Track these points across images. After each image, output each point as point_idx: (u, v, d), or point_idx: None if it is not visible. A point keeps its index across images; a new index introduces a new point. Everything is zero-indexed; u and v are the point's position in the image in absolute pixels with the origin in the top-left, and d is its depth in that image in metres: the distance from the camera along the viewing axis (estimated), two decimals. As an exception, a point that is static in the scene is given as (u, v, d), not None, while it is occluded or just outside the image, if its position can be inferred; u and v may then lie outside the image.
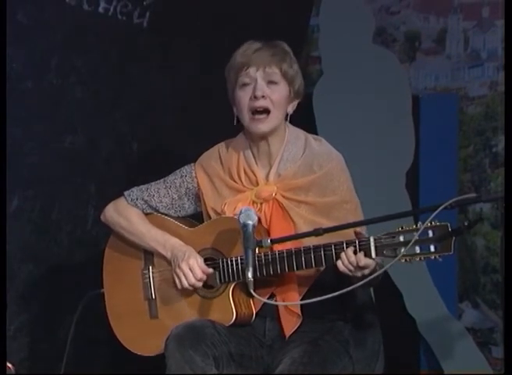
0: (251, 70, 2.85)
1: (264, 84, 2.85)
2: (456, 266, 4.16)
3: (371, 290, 3.03)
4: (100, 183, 3.67)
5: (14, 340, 3.51)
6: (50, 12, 3.52)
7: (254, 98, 2.83)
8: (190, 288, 2.85)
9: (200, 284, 2.84)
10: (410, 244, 2.54)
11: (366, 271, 2.62)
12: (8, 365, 3.13)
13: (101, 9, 3.63)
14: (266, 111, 2.84)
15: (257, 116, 2.84)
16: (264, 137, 2.88)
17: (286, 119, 2.92)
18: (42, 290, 3.57)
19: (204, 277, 2.83)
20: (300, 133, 2.95)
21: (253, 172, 2.90)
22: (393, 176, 4.16)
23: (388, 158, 4.14)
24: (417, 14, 4.48)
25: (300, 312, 2.77)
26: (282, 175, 2.88)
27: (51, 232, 3.60)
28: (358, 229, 2.72)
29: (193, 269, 2.82)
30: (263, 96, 2.83)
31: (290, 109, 2.92)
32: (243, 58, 2.87)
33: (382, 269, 2.60)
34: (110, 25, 3.66)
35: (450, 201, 2.54)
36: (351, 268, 2.62)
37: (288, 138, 2.91)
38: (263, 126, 2.85)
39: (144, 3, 3.72)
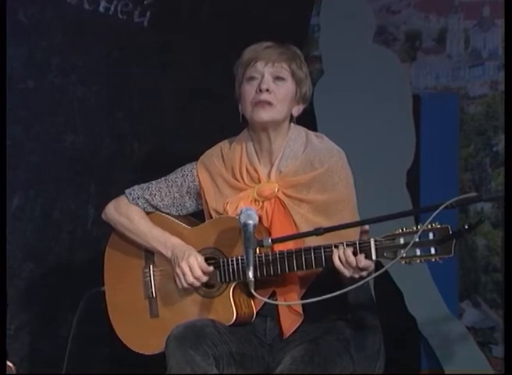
0: (259, 64, 2.85)
1: (271, 79, 2.84)
2: (456, 266, 4.16)
3: (372, 289, 3.03)
4: (100, 183, 3.68)
5: (15, 339, 3.51)
6: (50, 11, 3.52)
7: (260, 91, 2.82)
8: (192, 287, 2.85)
9: (198, 283, 2.84)
10: (409, 246, 2.53)
11: (364, 273, 2.62)
12: (9, 364, 3.13)
13: (101, 9, 3.64)
14: (269, 103, 2.83)
15: (260, 104, 2.82)
16: (265, 129, 2.87)
17: (290, 121, 2.92)
18: (43, 289, 3.57)
19: (204, 277, 2.83)
20: (301, 130, 2.94)
21: (255, 169, 2.90)
22: (394, 175, 4.16)
23: (388, 157, 4.14)
24: (418, 13, 4.48)
25: (301, 311, 2.77)
26: (284, 172, 2.87)
27: (52, 232, 3.61)
28: (367, 227, 2.72)
29: (192, 268, 2.82)
30: (267, 90, 2.82)
31: (295, 112, 2.91)
32: (252, 54, 2.87)
33: (381, 270, 2.59)
34: (111, 24, 3.66)
35: (451, 201, 2.53)
36: (348, 267, 2.62)
37: (290, 136, 2.91)
38: (264, 113, 2.83)
39: (145, 2, 3.73)
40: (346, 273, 2.62)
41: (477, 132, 4.25)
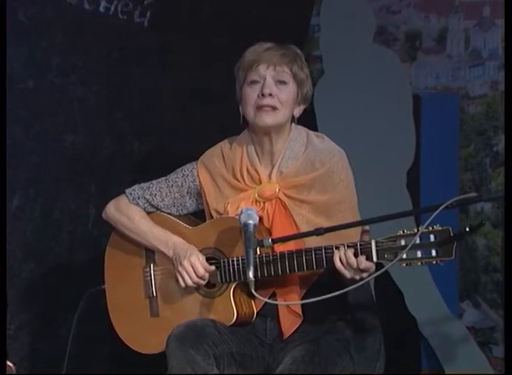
0: (261, 68, 2.83)
1: (273, 83, 2.83)
2: (457, 266, 4.16)
3: (372, 289, 3.03)
4: (101, 183, 3.68)
5: (15, 339, 3.51)
6: (50, 11, 3.52)
7: (262, 95, 2.81)
8: (193, 286, 2.85)
9: (203, 282, 2.83)
10: (408, 248, 2.53)
11: (365, 274, 2.62)
12: (9, 364, 3.13)
13: (101, 9, 3.64)
14: (273, 108, 2.82)
15: (263, 108, 2.81)
16: (268, 133, 2.86)
17: (291, 122, 2.91)
18: (43, 289, 3.57)
19: (207, 275, 2.83)
20: (301, 130, 2.94)
21: (256, 170, 2.89)
22: (394, 175, 4.16)
23: (389, 157, 4.14)
24: (418, 13, 4.48)
25: (300, 312, 2.77)
26: (284, 173, 2.87)
27: (52, 231, 3.60)
28: (367, 227, 2.71)
29: (195, 266, 2.82)
30: (270, 94, 2.81)
31: (296, 113, 2.90)
32: (253, 56, 2.85)
33: (381, 271, 2.59)
34: (111, 24, 3.66)
35: (451, 201, 2.53)
36: (349, 269, 2.62)
37: (291, 137, 2.90)
38: (268, 118, 2.82)
39: (145, 2, 3.73)
40: (347, 274, 2.62)
41: (477, 132, 4.25)
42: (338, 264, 2.63)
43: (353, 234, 2.72)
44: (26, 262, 3.54)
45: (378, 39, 4.49)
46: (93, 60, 3.64)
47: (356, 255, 2.61)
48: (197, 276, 2.82)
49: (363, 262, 2.60)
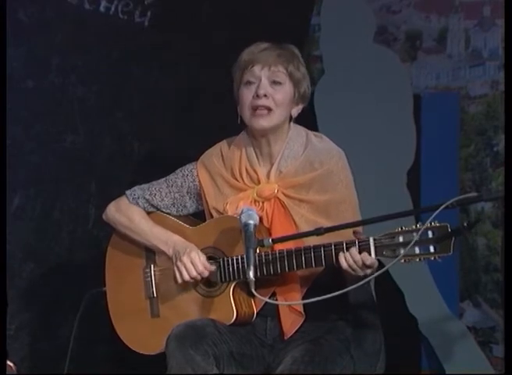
0: (256, 68, 2.84)
1: (268, 84, 2.83)
2: (457, 265, 4.16)
3: (373, 289, 3.03)
4: (101, 183, 3.68)
5: (15, 339, 3.51)
6: (51, 11, 3.52)
7: (257, 96, 2.82)
8: (191, 282, 2.85)
9: (205, 273, 2.82)
10: (410, 245, 2.53)
11: (369, 271, 2.62)
12: (10, 364, 3.13)
13: (102, 8, 3.64)
14: (268, 109, 2.83)
15: (258, 111, 2.82)
16: (264, 135, 2.86)
17: (289, 121, 2.91)
18: (43, 289, 3.57)
19: (206, 272, 2.83)
20: (300, 130, 2.94)
21: (254, 170, 2.89)
22: (394, 175, 4.16)
23: (389, 157, 4.14)
24: (419, 13, 4.49)
25: (302, 311, 2.77)
26: (284, 172, 2.87)
27: (52, 231, 3.60)
28: (358, 228, 2.72)
29: (194, 262, 2.82)
30: (265, 95, 2.81)
31: (295, 112, 2.90)
32: (249, 57, 2.86)
33: (382, 270, 2.59)
34: (111, 24, 3.66)
35: (451, 201, 2.53)
36: (355, 267, 2.62)
37: (290, 136, 2.90)
38: (264, 121, 2.83)
39: (146, 2, 3.73)
40: (352, 272, 2.62)
41: (477, 132, 4.25)
42: (344, 265, 2.63)
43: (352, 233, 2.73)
44: (26, 262, 3.54)
45: (379, 39, 4.49)
46: (93, 60, 3.64)
47: (359, 252, 2.62)
48: (197, 271, 2.82)
49: (368, 258, 2.60)
